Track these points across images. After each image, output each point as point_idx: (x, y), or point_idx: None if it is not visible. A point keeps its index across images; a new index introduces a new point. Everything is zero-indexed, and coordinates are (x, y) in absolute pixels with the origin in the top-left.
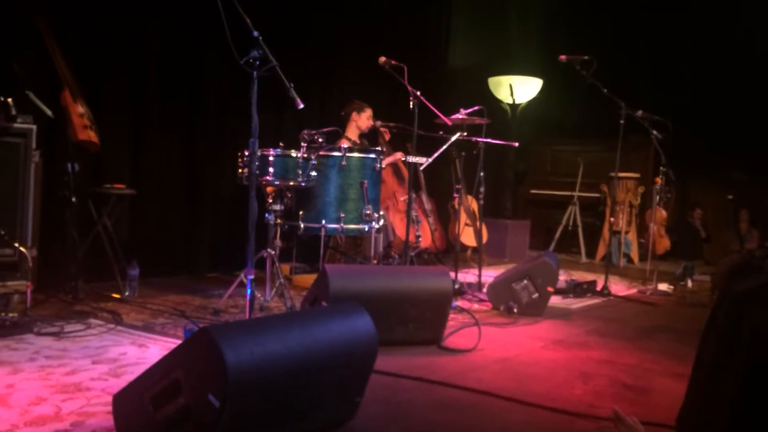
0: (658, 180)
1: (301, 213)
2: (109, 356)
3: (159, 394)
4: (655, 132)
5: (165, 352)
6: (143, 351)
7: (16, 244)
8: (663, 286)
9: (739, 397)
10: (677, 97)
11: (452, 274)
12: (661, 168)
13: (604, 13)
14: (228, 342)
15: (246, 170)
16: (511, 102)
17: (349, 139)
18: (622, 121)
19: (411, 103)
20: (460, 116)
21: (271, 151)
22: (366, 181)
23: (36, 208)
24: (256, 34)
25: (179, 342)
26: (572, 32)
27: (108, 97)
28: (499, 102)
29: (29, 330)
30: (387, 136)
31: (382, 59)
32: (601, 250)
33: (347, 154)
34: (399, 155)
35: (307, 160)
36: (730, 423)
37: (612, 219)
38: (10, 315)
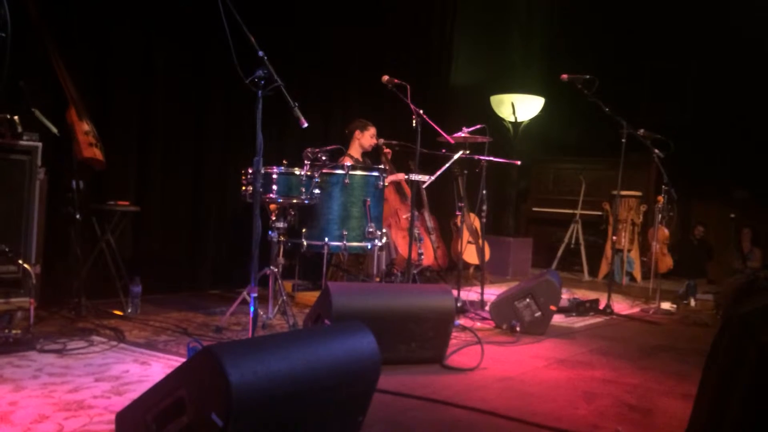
0: (660, 198)
1: (304, 230)
2: (111, 374)
3: (162, 413)
4: (656, 150)
5: (168, 370)
6: (146, 369)
7: (20, 261)
8: (666, 305)
9: (744, 418)
10: (680, 116)
11: (455, 292)
12: (663, 186)
13: (605, 33)
14: (232, 361)
15: (250, 188)
16: (513, 120)
17: (352, 157)
18: (623, 140)
19: (414, 121)
20: (463, 134)
21: (275, 169)
22: (369, 199)
23: (40, 225)
24: (261, 53)
25: (182, 360)
26: (574, 51)
27: (114, 114)
28: (501, 120)
29: (32, 347)
30: (389, 155)
31: (385, 78)
32: (604, 269)
33: (350, 172)
34: (402, 176)
35: (310, 177)
36: None
37: (614, 237)
38: (14, 332)
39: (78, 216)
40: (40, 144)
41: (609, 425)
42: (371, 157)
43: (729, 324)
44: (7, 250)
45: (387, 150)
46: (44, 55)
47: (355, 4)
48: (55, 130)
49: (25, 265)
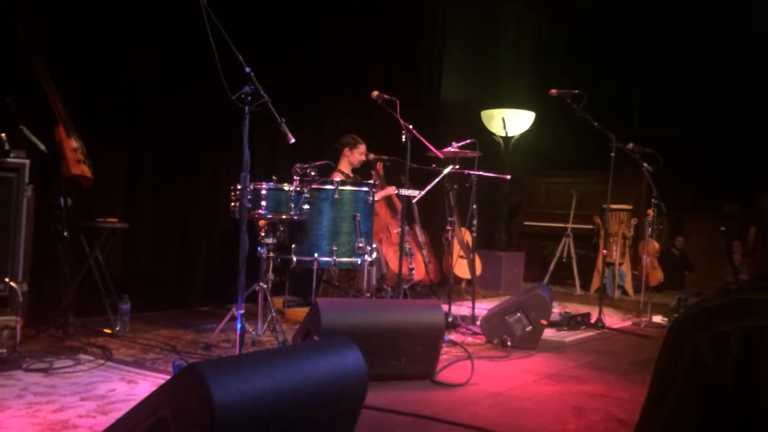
0: (650, 212)
1: (293, 246)
2: (97, 393)
3: None
4: (645, 164)
5: (154, 388)
6: (132, 387)
7: (7, 279)
8: (657, 318)
9: (676, 417)
10: (670, 130)
11: (446, 307)
12: (652, 200)
13: (595, 47)
14: (215, 378)
15: (238, 204)
16: (504, 135)
17: (342, 173)
18: (612, 154)
19: (403, 136)
20: (452, 149)
21: (264, 185)
22: (358, 214)
23: (28, 243)
24: (248, 69)
25: (169, 378)
26: (564, 65)
27: (103, 131)
28: (492, 135)
29: (18, 366)
30: (381, 170)
31: (375, 93)
32: (596, 282)
33: (340, 188)
34: (392, 189)
35: (299, 193)
36: None
37: (605, 251)
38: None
39: (66, 233)
40: (27, 161)
41: None
42: (361, 171)
43: (673, 324)
44: None
45: (379, 164)
46: (33, 72)
47: (346, 19)
48: (43, 147)
49: (12, 283)
